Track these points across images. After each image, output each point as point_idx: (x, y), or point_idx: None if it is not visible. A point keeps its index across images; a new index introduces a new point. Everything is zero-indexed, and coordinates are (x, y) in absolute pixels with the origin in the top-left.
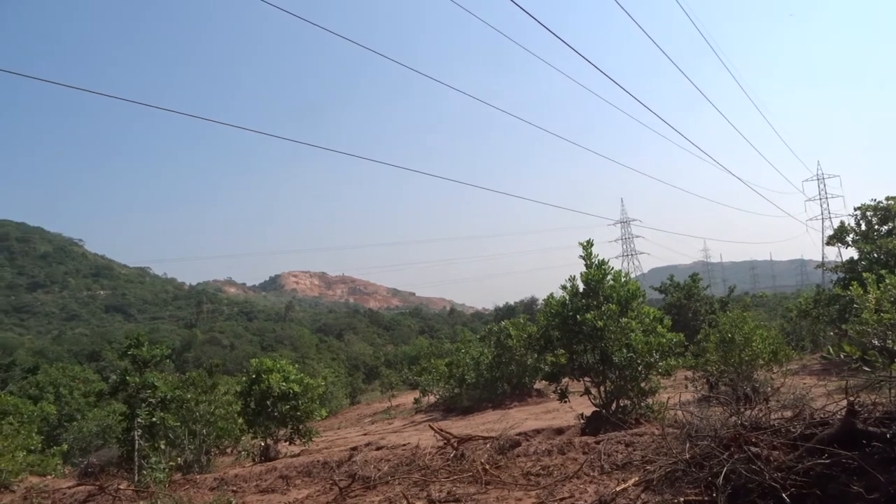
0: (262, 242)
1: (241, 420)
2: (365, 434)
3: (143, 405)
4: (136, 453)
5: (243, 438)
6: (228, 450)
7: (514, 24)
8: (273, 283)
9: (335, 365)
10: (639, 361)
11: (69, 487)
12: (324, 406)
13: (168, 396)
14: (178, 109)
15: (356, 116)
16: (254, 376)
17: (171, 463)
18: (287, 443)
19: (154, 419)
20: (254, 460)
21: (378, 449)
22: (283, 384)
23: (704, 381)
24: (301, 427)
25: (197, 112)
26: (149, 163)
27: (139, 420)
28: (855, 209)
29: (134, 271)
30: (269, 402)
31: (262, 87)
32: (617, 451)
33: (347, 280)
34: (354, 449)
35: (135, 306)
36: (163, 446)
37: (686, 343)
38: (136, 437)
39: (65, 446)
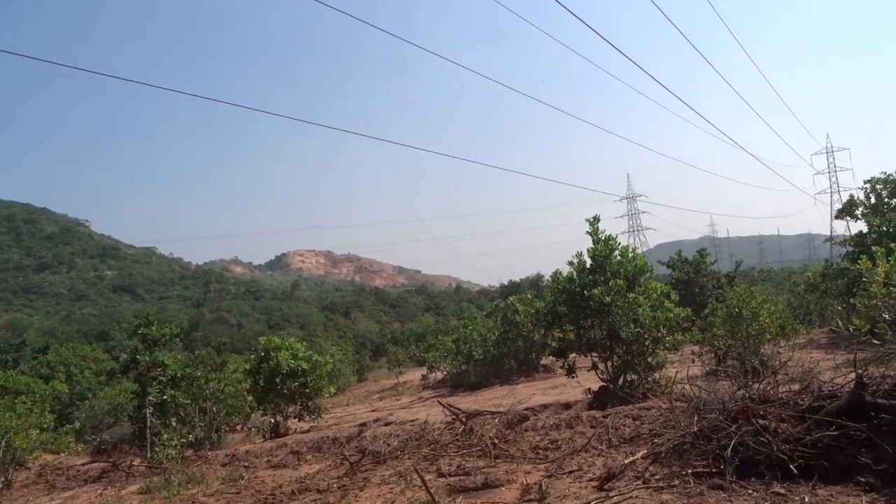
0: (267, 221)
1: (250, 397)
2: (373, 410)
3: (154, 383)
4: (147, 430)
5: (253, 415)
6: (238, 427)
7: None
8: (279, 262)
9: (342, 342)
10: (646, 336)
11: (83, 464)
12: (332, 383)
13: (178, 374)
14: (183, 89)
15: (358, 95)
16: (262, 354)
17: (182, 440)
18: (296, 419)
19: (165, 397)
20: (264, 437)
21: (387, 424)
22: (292, 362)
23: (712, 355)
24: (310, 404)
25: (200, 91)
26: (154, 143)
27: (150, 398)
28: (864, 182)
29: (140, 251)
30: (278, 380)
31: (263, 64)
32: (625, 425)
33: (353, 258)
34: (363, 425)
35: (142, 286)
36: (174, 423)
37: (693, 318)
38: (148, 415)
39: (77, 424)
